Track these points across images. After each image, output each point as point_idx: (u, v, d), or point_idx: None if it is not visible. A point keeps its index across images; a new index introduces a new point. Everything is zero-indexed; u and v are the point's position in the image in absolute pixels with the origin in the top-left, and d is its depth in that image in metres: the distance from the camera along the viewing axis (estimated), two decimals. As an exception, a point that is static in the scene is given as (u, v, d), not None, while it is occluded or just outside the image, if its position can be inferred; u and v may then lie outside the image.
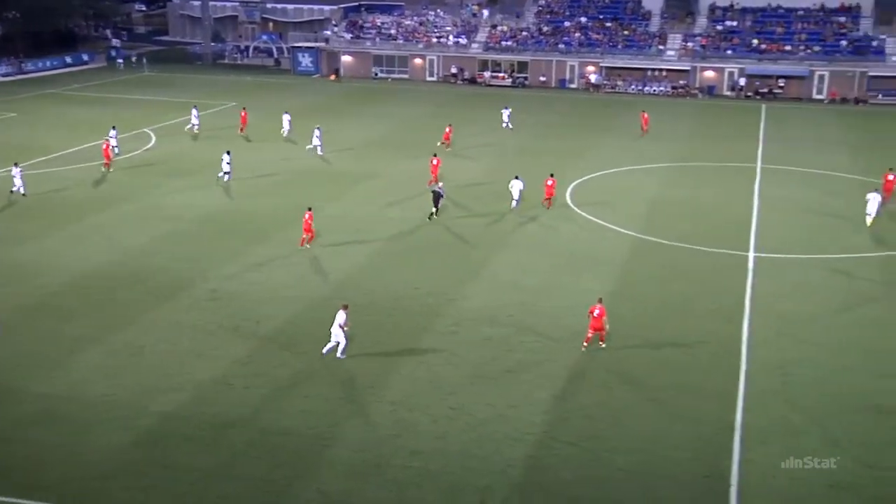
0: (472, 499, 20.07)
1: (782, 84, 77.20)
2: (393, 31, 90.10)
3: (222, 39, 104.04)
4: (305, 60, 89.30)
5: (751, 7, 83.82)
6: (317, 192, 43.45)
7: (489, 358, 26.74)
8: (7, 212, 41.14)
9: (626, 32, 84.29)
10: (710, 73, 79.39)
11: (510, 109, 61.89)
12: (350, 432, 22.66)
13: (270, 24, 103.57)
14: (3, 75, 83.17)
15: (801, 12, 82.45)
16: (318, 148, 52.47)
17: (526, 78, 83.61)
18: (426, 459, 21.48)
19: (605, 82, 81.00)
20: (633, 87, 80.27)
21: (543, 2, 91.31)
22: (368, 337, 27.69)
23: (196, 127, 58.37)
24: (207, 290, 31.75)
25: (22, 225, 39.01)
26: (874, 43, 77.70)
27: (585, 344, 27.24)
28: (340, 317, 26.19)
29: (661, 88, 79.62)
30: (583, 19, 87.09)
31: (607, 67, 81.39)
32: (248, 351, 27.02)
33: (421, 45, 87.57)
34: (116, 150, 50.57)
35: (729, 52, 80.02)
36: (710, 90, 78.84)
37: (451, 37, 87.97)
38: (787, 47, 79.06)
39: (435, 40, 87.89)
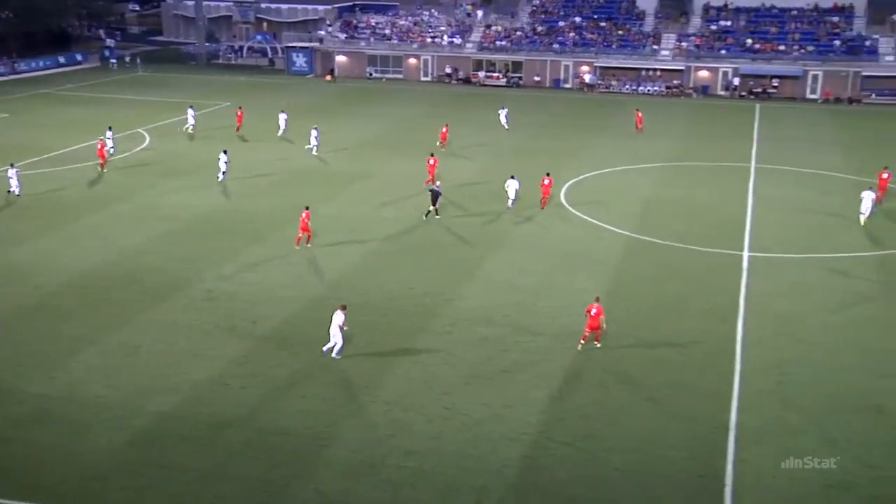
0: (468, 499, 20.11)
1: (776, 84, 77.44)
2: (387, 31, 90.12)
3: (216, 39, 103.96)
4: (300, 60, 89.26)
5: (744, 7, 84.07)
6: (312, 191, 43.44)
7: (485, 358, 26.78)
8: (3, 212, 41.06)
9: (620, 32, 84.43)
10: (704, 73, 79.59)
11: (507, 109, 62.01)
12: (346, 432, 22.68)
13: (265, 24, 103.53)
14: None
15: (794, 12, 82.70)
16: (315, 148, 52.50)
17: (520, 78, 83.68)
18: (421, 459, 21.51)
19: (599, 82, 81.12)
20: (627, 86, 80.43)
21: (538, 2, 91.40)
22: (364, 337, 27.71)
23: (192, 127, 58.33)
24: (203, 290, 31.74)
25: (18, 225, 38.95)
26: (867, 43, 77.97)
27: (583, 341, 27.31)
28: (339, 317, 26.20)
29: (656, 88, 79.79)
30: (577, 19, 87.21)
31: (602, 67, 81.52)
32: (244, 351, 27.02)
33: (415, 45, 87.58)
34: (112, 150, 50.53)
35: (723, 51, 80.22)
36: (704, 90, 79.04)
37: (445, 37, 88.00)
38: (781, 47, 79.28)
39: (429, 40, 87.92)
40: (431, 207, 40.05)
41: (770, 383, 25.46)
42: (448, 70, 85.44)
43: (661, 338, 28.33)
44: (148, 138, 57.09)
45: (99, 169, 47.85)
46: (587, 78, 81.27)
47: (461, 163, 50.93)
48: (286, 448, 21.89)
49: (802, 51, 78.51)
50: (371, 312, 29.58)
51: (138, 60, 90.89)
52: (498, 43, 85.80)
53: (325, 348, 26.43)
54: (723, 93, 78.83)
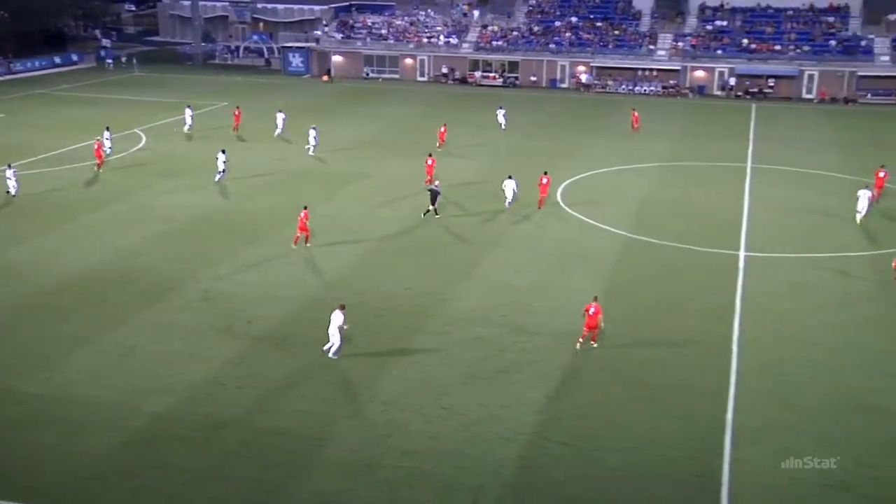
0: (465, 499, 20.08)
1: (772, 84, 77.53)
2: (384, 31, 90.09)
3: (213, 39, 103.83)
4: (296, 60, 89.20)
5: (740, 7, 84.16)
6: (309, 191, 43.37)
7: (481, 358, 26.75)
8: (0, 212, 41.09)
9: (616, 32, 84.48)
10: (700, 73, 79.66)
11: (504, 110, 62.07)
12: (343, 432, 22.64)
13: (261, 24, 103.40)
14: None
15: (790, 12, 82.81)
16: (312, 148, 52.49)
17: (517, 78, 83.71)
18: (418, 459, 21.49)
19: (595, 82, 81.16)
20: (623, 86, 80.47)
21: (534, 2, 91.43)
22: (361, 337, 27.67)
23: (189, 127, 58.26)
24: (199, 290, 31.69)
25: (14, 225, 38.88)
26: (863, 43, 78.11)
27: (581, 340, 27.32)
28: (339, 317, 26.16)
29: (652, 88, 79.84)
30: (573, 19, 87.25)
31: (598, 67, 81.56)
32: (240, 351, 26.97)
33: (412, 45, 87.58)
34: (109, 150, 50.50)
35: (719, 51, 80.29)
36: (700, 90, 79.10)
37: (441, 37, 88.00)
38: (777, 47, 79.38)
39: (426, 40, 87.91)
40: (431, 207, 40.06)
41: (767, 383, 25.47)
42: (444, 70, 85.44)
43: (658, 337, 28.33)
44: (144, 138, 57.00)
45: (95, 169, 47.77)
46: (583, 78, 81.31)
47: (458, 162, 50.91)
48: (282, 448, 21.86)
49: (798, 51, 78.62)
50: (368, 313, 29.53)
51: (134, 61, 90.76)
52: (494, 43, 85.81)
53: (325, 348, 26.40)
54: (719, 93, 78.91)
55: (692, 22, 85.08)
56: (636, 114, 61.33)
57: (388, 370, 25.95)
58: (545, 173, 42.52)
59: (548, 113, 69.21)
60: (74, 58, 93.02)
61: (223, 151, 46.16)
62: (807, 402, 24.43)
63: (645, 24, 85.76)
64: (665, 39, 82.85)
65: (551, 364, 26.37)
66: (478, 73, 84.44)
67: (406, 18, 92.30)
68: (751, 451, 22.02)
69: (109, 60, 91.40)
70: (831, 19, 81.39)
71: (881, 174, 43.69)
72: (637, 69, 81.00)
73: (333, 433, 22.60)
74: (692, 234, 38.27)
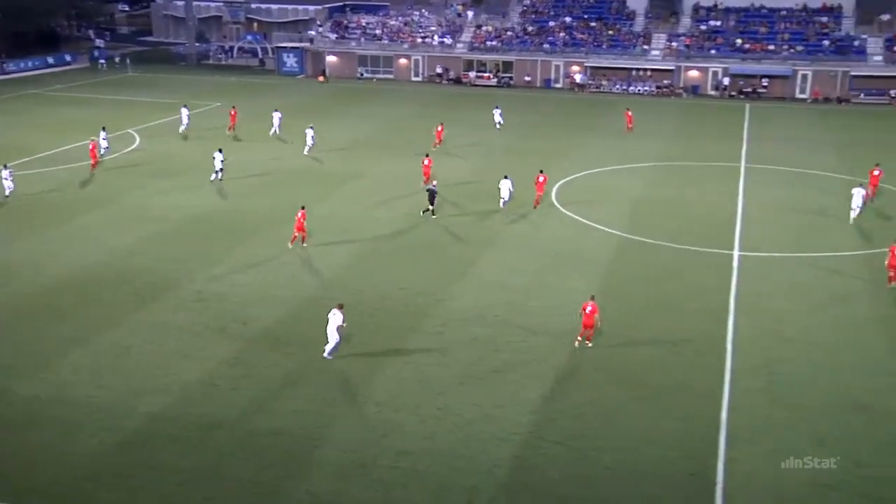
0: (459, 499, 20.11)
1: (766, 83, 77.65)
2: (378, 32, 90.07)
3: (206, 40, 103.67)
4: (290, 61, 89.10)
5: (734, 7, 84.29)
6: (305, 191, 43.33)
7: (476, 358, 26.79)
8: (-9, 213, 40.99)
9: (610, 32, 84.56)
10: (694, 73, 79.77)
11: (500, 109, 62.16)
12: (338, 433, 22.66)
13: (255, 25, 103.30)
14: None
15: (783, 12, 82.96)
16: (306, 147, 52.48)
17: (511, 78, 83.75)
18: (414, 460, 21.51)
19: (589, 82, 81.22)
20: (617, 86, 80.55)
21: (528, 2, 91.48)
22: (356, 337, 27.67)
23: (185, 126, 58.19)
24: (194, 290, 31.67)
25: (9, 225, 38.81)
26: (856, 43, 78.29)
27: (579, 338, 27.40)
28: (338, 317, 26.16)
29: (646, 88, 79.93)
30: (567, 19, 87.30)
31: (592, 67, 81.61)
32: (235, 352, 26.97)
33: (406, 46, 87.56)
34: (106, 150, 50.51)
35: (713, 51, 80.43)
36: (694, 90, 79.23)
37: (435, 37, 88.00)
38: (771, 47, 79.54)
39: (420, 40, 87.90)
40: (430, 207, 40.11)
41: (760, 382, 25.54)
42: (439, 70, 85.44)
43: (653, 337, 28.39)
44: (138, 139, 56.92)
45: (90, 170, 47.69)
46: (578, 78, 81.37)
47: (454, 162, 50.92)
48: (277, 449, 21.87)
49: (792, 51, 78.80)
50: (363, 313, 29.52)
51: (128, 61, 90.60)
52: (488, 43, 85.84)
53: (327, 348, 26.44)
54: (713, 92, 79.03)
55: (686, 22, 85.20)
56: (630, 114, 61.41)
57: (383, 370, 25.97)
58: (541, 172, 42.59)
59: (542, 113, 69.27)
60: (68, 58, 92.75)
61: (220, 151, 46.13)
62: (802, 401, 24.50)
63: (639, 24, 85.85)
64: (659, 39, 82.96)
65: (546, 364, 26.41)
66: (472, 74, 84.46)
67: (400, 18, 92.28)
68: (746, 450, 22.09)
69: (103, 61, 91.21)
70: (824, 19, 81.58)
71: (875, 172, 43.87)
72: (631, 69, 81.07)
73: (328, 433, 22.61)
74: (686, 234, 38.35)
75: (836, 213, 41.32)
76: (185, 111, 58.98)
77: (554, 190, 44.97)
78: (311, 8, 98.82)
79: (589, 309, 27.08)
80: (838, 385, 25.46)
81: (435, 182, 41.88)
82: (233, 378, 25.36)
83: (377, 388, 24.89)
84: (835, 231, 39.39)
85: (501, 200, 41.64)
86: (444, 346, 27.57)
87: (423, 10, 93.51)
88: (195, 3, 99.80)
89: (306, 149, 52.50)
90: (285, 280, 32.89)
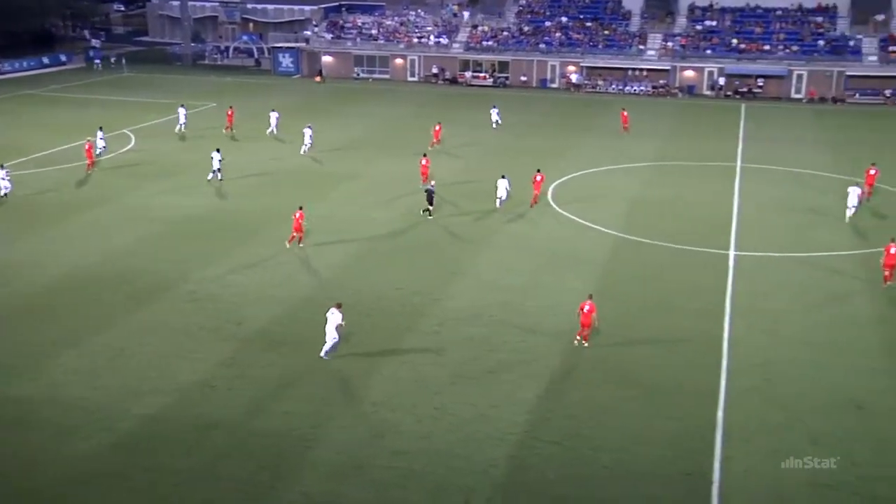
0: (456, 499, 20.09)
1: (761, 83, 77.76)
2: (374, 32, 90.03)
3: (202, 40, 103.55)
4: (286, 61, 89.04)
5: (730, 7, 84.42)
6: (302, 192, 43.26)
7: (472, 358, 26.77)
8: (-13, 214, 40.89)
9: (606, 32, 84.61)
10: (689, 73, 79.84)
11: (498, 108, 62.20)
12: (334, 433, 22.63)
13: (251, 25, 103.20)
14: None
15: (779, 12, 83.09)
16: (304, 147, 52.43)
17: (507, 78, 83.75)
18: (410, 460, 21.49)
19: (585, 82, 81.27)
20: (613, 86, 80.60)
21: (524, 2, 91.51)
22: (352, 337, 27.61)
23: (183, 126, 58.12)
24: (189, 291, 31.61)
25: (6, 225, 38.72)
26: (851, 43, 78.43)
27: (578, 337, 27.45)
28: (337, 316, 26.12)
29: (642, 88, 79.98)
30: (563, 19, 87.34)
31: (588, 67, 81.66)
32: (231, 352, 26.92)
33: (402, 46, 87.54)
34: (103, 150, 50.48)
35: (708, 51, 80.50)
36: (689, 90, 79.29)
37: (431, 37, 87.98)
38: (766, 47, 79.65)
39: (416, 40, 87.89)
40: (429, 207, 40.10)
41: (756, 381, 25.56)
42: (435, 70, 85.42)
43: (649, 337, 28.40)
44: (133, 139, 56.82)
45: (86, 170, 47.61)
46: (574, 78, 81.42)
47: (450, 162, 50.90)
48: (273, 449, 21.83)
49: (787, 51, 78.91)
50: (360, 313, 29.46)
51: (123, 61, 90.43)
52: (484, 43, 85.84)
53: (329, 350, 26.39)
54: (708, 92, 79.11)
55: (682, 22, 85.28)
56: (625, 114, 61.40)
57: (379, 370, 25.94)
58: (538, 171, 42.61)
59: (538, 113, 69.27)
60: (63, 58, 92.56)
61: (218, 150, 46.08)
62: (797, 400, 24.51)
63: (635, 24, 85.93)
64: (655, 39, 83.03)
65: (542, 364, 26.40)
66: (468, 74, 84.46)
67: (396, 19, 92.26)
68: (742, 449, 22.09)
69: (98, 61, 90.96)
70: (819, 19, 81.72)
71: (871, 172, 43.93)
72: (627, 69, 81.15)
73: (324, 434, 22.57)
74: (682, 234, 38.36)
75: (832, 213, 41.38)
76: (182, 111, 58.91)
77: (550, 190, 44.96)
78: (307, 8, 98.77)
79: (587, 308, 27.10)
80: (834, 384, 25.48)
81: (433, 182, 41.87)
82: (229, 378, 25.30)
83: (373, 388, 24.86)
84: (831, 230, 39.44)
85: (498, 200, 41.62)
86: (440, 345, 27.55)
87: (419, 10, 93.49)
88: (191, 4, 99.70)
89: (303, 148, 52.46)
90: (282, 280, 32.85)
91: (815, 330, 29.18)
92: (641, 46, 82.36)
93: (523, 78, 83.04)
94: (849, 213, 40.13)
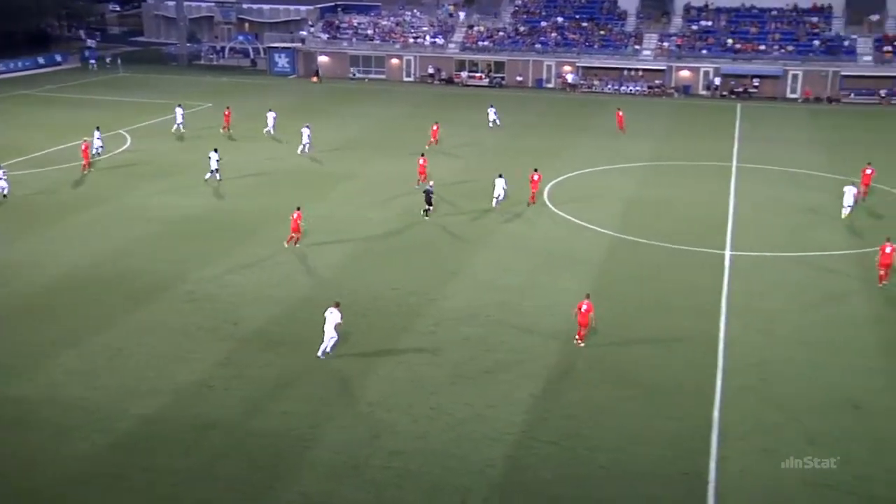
0: (452, 499, 20.13)
1: (757, 83, 77.91)
2: (370, 32, 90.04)
3: (198, 40, 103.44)
4: (282, 61, 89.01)
5: (725, 7, 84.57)
6: (299, 192, 43.26)
7: (469, 358, 26.81)
8: (-17, 214, 40.84)
9: (602, 32, 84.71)
10: (685, 73, 79.96)
11: (495, 108, 62.30)
12: (331, 433, 22.66)
13: (246, 25, 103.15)
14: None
15: (774, 12, 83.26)
16: (302, 147, 52.42)
17: (503, 78, 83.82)
18: (406, 460, 21.53)
19: (581, 82, 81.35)
20: (609, 86, 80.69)
21: (520, 2, 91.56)
22: (349, 337, 27.64)
23: (181, 126, 58.09)
24: (188, 291, 31.61)
25: (4, 226, 38.70)
26: (846, 43, 78.63)
27: (577, 338, 27.51)
28: (336, 315, 26.15)
29: (638, 88, 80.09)
30: (559, 19, 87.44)
31: (584, 67, 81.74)
32: (228, 352, 26.93)
33: (398, 46, 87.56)
34: (100, 149, 50.50)
35: (704, 51, 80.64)
36: (685, 90, 79.40)
37: (427, 37, 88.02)
38: (762, 47, 79.81)
39: (412, 41, 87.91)
40: (429, 207, 40.14)
41: (752, 381, 25.63)
42: (431, 70, 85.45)
43: (645, 336, 28.47)
44: (129, 139, 56.78)
45: (82, 170, 47.59)
46: (569, 78, 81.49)
47: (447, 162, 50.93)
48: (270, 449, 21.85)
49: (782, 51, 79.10)
50: (356, 313, 29.48)
51: (119, 61, 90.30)
52: (480, 43, 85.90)
53: (328, 350, 26.40)
54: (704, 92, 79.23)
55: (677, 22, 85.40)
56: (621, 114, 61.43)
57: (376, 370, 25.98)
58: (535, 170, 42.69)
59: (534, 113, 69.33)
60: (58, 58, 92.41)
61: (215, 150, 46.07)
62: (793, 400, 24.59)
63: (630, 24, 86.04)
64: (650, 39, 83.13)
65: (539, 363, 26.45)
66: (464, 74, 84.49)
67: (392, 19, 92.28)
68: (738, 448, 22.16)
69: (93, 61, 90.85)
70: (815, 19, 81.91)
71: (867, 171, 44.06)
72: (623, 69, 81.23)
73: (321, 434, 22.61)
74: (678, 234, 38.44)
75: (828, 212, 41.51)
76: (179, 111, 58.88)
77: (546, 190, 45.03)
78: (303, 8, 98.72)
79: (584, 307, 27.16)
80: (830, 384, 25.56)
81: (431, 182, 41.92)
82: (226, 379, 25.32)
83: (370, 388, 24.90)
84: (826, 230, 39.55)
85: (495, 199, 41.68)
86: (436, 345, 27.59)
87: (415, 11, 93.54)
88: (186, 4, 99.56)
89: (300, 148, 52.46)
90: (279, 280, 32.87)
91: (811, 329, 29.27)
92: (637, 46, 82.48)
93: (519, 78, 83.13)
94: (844, 213, 40.27)
